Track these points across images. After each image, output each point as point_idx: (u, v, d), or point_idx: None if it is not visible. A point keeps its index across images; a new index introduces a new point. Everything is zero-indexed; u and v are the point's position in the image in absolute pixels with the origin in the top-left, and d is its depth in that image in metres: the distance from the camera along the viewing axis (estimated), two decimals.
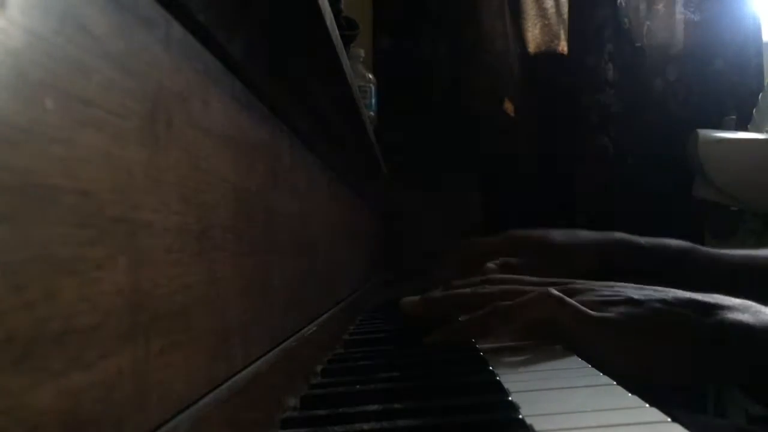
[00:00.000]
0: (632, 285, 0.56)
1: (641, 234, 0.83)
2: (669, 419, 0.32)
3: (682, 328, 0.50)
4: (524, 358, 0.52)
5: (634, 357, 0.50)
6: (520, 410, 0.36)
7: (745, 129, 1.75)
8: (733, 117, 1.76)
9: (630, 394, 0.38)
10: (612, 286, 0.55)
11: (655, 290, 0.54)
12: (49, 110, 0.18)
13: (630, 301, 0.52)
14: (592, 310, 0.52)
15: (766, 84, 1.85)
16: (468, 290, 0.62)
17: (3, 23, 0.16)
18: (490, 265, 0.78)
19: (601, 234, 0.83)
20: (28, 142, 0.17)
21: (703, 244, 1.75)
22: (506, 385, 0.42)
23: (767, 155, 1.60)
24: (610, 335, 0.50)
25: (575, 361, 0.49)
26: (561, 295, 0.53)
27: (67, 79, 0.19)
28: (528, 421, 0.34)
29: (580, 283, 0.57)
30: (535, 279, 0.62)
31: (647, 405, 0.35)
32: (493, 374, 0.45)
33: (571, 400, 0.38)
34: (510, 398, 0.38)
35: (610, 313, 0.51)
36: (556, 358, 0.51)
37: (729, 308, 0.51)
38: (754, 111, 1.75)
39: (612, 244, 0.80)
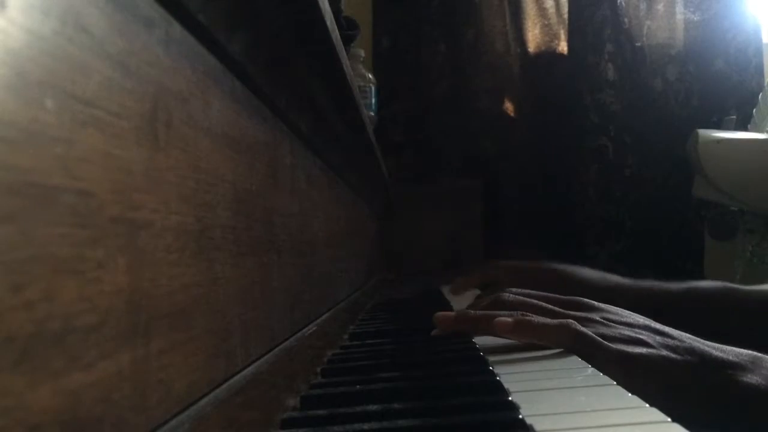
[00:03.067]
0: (649, 325, 0.56)
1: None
2: (669, 419, 0.32)
3: (694, 385, 0.51)
4: (524, 358, 0.52)
5: (646, 393, 0.50)
6: (520, 410, 0.36)
7: (745, 129, 1.75)
8: (733, 117, 1.76)
9: (630, 394, 0.38)
10: (631, 325, 0.56)
11: (671, 337, 0.54)
12: (49, 110, 0.18)
13: (644, 344, 0.53)
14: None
15: (766, 84, 1.85)
16: (504, 297, 0.64)
17: (3, 23, 0.16)
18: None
19: (633, 282, 0.84)
20: (28, 142, 0.17)
21: (702, 244, 1.75)
22: (506, 385, 0.42)
23: (767, 155, 1.60)
24: (629, 369, 0.51)
25: (575, 361, 0.49)
26: (582, 329, 0.53)
27: (67, 79, 0.19)
28: (528, 421, 0.34)
29: (597, 314, 0.58)
30: (562, 298, 0.63)
31: (647, 405, 0.35)
32: (493, 374, 0.45)
33: (571, 400, 0.38)
34: (510, 398, 0.38)
35: (627, 349, 0.52)
36: (556, 358, 0.51)
37: (742, 368, 0.51)
38: (754, 111, 1.75)
39: (644, 293, 0.81)
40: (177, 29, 0.28)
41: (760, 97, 1.75)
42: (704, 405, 0.51)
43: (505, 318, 0.56)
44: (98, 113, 0.21)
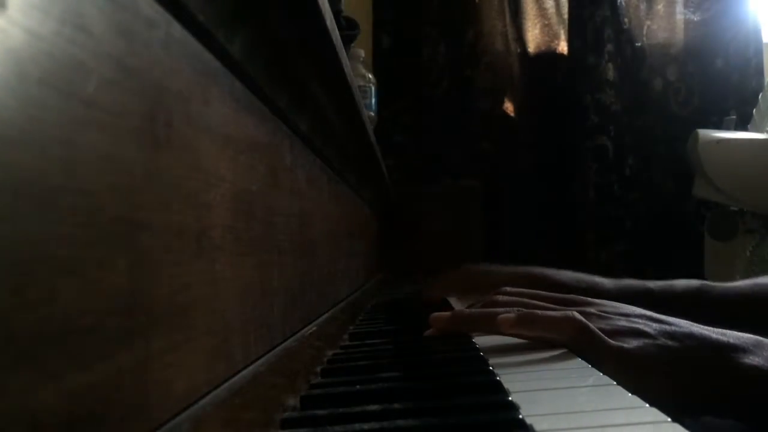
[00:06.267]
0: (645, 314, 0.56)
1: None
2: (669, 419, 0.32)
3: (695, 369, 0.50)
4: (524, 358, 0.52)
5: (648, 387, 0.50)
6: (520, 410, 0.36)
7: (745, 129, 1.75)
8: (733, 117, 1.76)
9: (630, 394, 0.38)
10: (627, 315, 0.56)
11: (668, 323, 0.54)
12: (49, 110, 0.18)
13: (643, 334, 0.52)
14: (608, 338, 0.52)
15: (766, 84, 1.85)
16: (500, 298, 0.63)
17: (3, 23, 0.16)
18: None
19: (612, 281, 0.84)
20: (28, 142, 0.17)
21: (702, 244, 1.75)
22: (506, 385, 0.42)
23: (767, 155, 1.60)
24: (628, 366, 0.50)
25: (575, 362, 0.49)
26: (586, 322, 0.53)
27: (67, 79, 0.19)
28: (528, 421, 0.34)
29: (594, 308, 0.58)
30: (557, 296, 0.62)
31: (647, 405, 0.35)
32: (493, 374, 0.45)
33: (571, 400, 0.38)
34: (510, 398, 0.38)
35: (627, 344, 0.51)
36: (556, 358, 0.51)
37: (743, 350, 0.51)
38: (754, 111, 1.75)
39: (623, 292, 0.80)
40: (177, 29, 0.28)
41: (760, 97, 1.76)
42: (706, 390, 0.50)
43: (508, 314, 0.56)
44: (98, 113, 0.21)
